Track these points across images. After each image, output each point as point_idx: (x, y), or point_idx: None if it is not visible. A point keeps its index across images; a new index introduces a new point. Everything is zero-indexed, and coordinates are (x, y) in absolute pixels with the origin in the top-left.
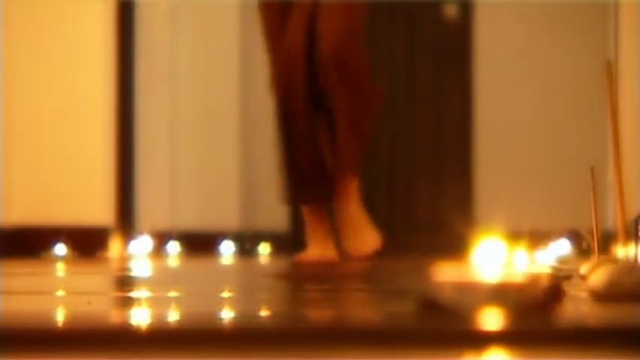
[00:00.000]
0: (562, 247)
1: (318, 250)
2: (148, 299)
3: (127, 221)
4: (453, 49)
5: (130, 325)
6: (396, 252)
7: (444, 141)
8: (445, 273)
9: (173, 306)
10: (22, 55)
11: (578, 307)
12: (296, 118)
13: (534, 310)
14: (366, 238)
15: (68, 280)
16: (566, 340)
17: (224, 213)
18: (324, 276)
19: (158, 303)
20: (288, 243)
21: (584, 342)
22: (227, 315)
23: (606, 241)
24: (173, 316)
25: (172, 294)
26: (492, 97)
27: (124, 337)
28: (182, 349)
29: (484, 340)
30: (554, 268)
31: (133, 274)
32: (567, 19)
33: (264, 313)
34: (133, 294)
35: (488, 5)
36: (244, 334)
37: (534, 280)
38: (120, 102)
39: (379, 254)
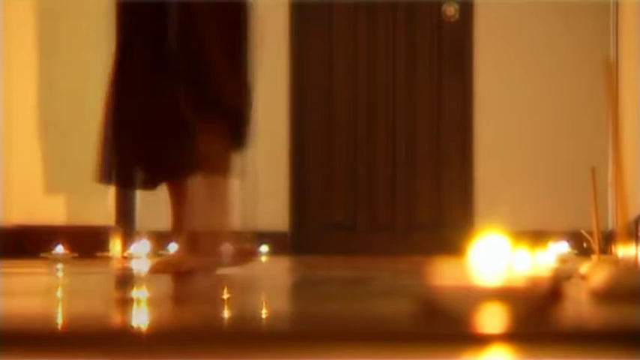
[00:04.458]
0: (562, 247)
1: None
2: (148, 299)
3: (127, 221)
4: (453, 48)
5: (130, 326)
6: (396, 252)
7: (444, 141)
8: (445, 274)
9: (173, 306)
10: (22, 55)
11: (578, 307)
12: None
13: (535, 311)
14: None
15: (68, 280)
16: (567, 341)
17: None
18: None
19: (158, 303)
20: (288, 243)
21: (585, 342)
22: (227, 315)
23: (606, 241)
24: (173, 317)
25: (172, 294)
26: (492, 96)
27: (124, 337)
28: (182, 349)
29: (484, 340)
30: (555, 269)
31: (133, 274)
32: (567, 19)
33: (263, 313)
34: (133, 294)
35: (487, 5)
36: (244, 334)
37: (535, 281)
38: None
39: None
